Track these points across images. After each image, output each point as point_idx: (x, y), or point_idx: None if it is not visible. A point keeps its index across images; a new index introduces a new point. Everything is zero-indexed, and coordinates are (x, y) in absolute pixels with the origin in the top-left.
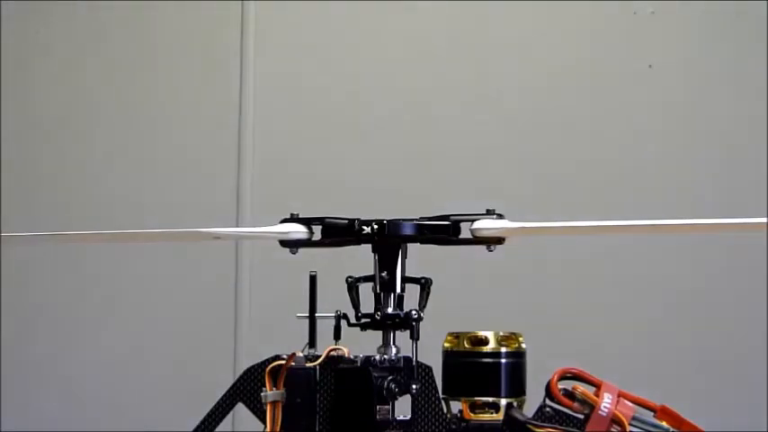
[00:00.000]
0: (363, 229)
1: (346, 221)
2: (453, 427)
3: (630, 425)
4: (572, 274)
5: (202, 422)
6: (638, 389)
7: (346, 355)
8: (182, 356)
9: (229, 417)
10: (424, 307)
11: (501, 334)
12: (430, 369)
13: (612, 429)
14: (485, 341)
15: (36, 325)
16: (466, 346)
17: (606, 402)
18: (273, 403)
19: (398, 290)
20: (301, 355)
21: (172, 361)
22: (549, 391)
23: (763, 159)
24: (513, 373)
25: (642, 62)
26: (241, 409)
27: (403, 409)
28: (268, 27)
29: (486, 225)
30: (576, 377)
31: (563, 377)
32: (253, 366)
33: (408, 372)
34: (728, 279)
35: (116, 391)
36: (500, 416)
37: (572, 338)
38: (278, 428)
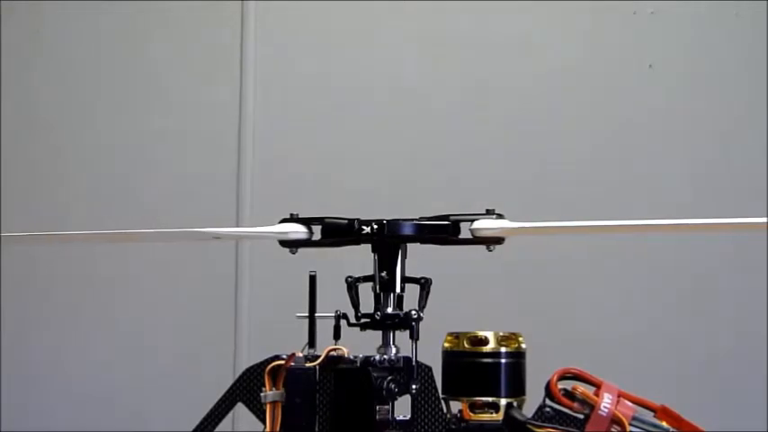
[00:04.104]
0: (363, 229)
1: (346, 221)
2: (453, 427)
3: (630, 425)
4: (572, 274)
5: (202, 422)
6: (639, 389)
7: (346, 356)
8: (182, 356)
9: (229, 417)
10: (424, 307)
11: (501, 334)
12: (430, 369)
13: (612, 429)
14: (485, 341)
15: (36, 325)
16: (466, 346)
17: (606, 402)
18: (273, 403)
19: (398, 290)
20: (301, 355)
21: (172, 361)
22: (548, 391)
23: (763, 159)
24: (512, 373)
25: (642, 62)
26: (241, 409)
27: (403, 409)
28: (268, 27)
29: (485, 225)
30: (576, 377)
31: (563, 377)
32: (252, 366)
33: (408, 372)
34: (728, 279)
35: (116, 391)
36: (500, 416)
37: (572, 338)
38: (278, 428)
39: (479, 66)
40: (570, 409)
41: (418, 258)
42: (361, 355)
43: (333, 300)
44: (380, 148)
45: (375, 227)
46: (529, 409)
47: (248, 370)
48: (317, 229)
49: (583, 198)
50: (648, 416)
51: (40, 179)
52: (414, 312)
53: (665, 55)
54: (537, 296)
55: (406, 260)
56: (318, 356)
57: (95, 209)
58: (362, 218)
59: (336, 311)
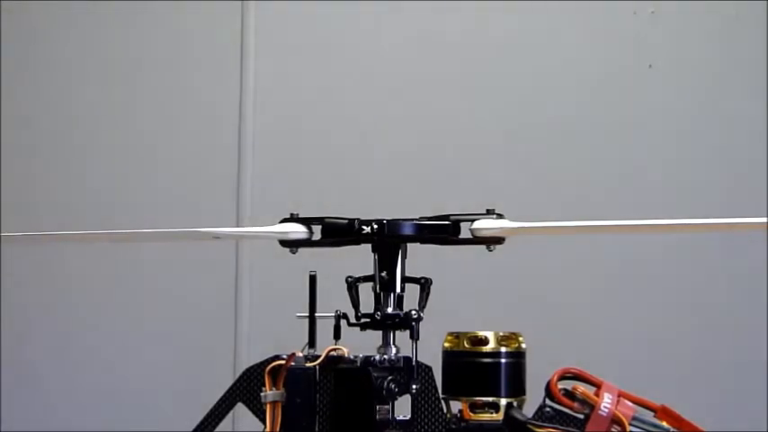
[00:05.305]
0: (363, 229)
1: (346, 221)
2: (453, 427)
3: (631, 425)
4: (572, 274)
5: (202, 422)
6: (638, 389)
7: (346, 356)
8: (182, 356)
9: (229, 417)
10: (424, 307)
11: (501, 334)
12: (430, 369)
13: (613, 429)
14: (485, 341)
15: (36, 325)
16: (466, 346)
17: (606, 402)
18: (273, 403)
19: (398, 290)
20: (301, 355)
21: (172, 361)
22: (549, 391)
23: (762, 159)
24: (513, 372)
25: (642, 62)
26: (241, 408)
27: (403, 409)
28: (268, 27)
29: (485, 225)
30: (576, 377)
31: (563, 377)
32: (252, 366)
33: (408, 372)
34: (729, 279)
35: (116, 391)
36: (500, 416)
37: (572, 338)
38: (278, 428)
39: (479, 66)
40: (570, 409)
41: (418, 258)
42: (361, 355)
43: (333, 300)
44: (380, 147)
45: (375, 227)
46: (529, 409)
47: (248, 370)
48: (317, 229)
49: (583, 198)
50: (648, 416)
51: (40, 179)
52: (414, 312)
53: (665, 55)
54: (537, 296)
55: (406, 260)
56: (318, 356)
57: (95, 209)
58: (362, 218)
59: (336, 311)
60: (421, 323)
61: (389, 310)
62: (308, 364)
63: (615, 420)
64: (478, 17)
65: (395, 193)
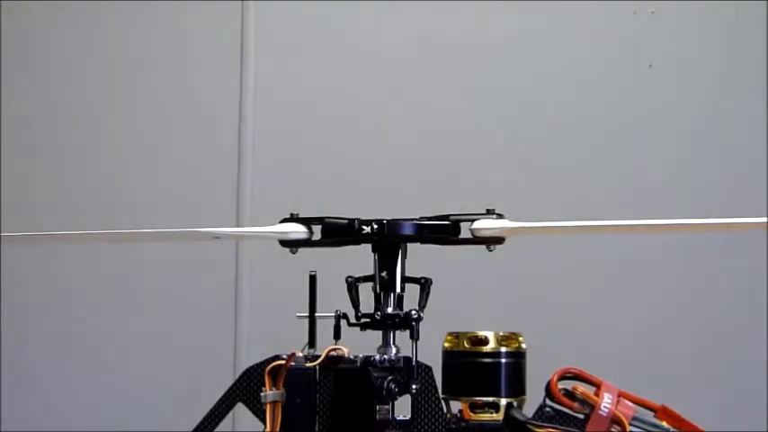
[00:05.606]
0: (363, 229)
1: (346, 221)
2: (453, 426)
3: (631, 425)
4: (572, 274)
5: (202, 422)
6: (639, 389)
7: (346, 356)
8: (182, 356)
9: (229, 417)
10: (424, 307)
11: (501, 334)
12: (430, 369)
13: (613, 429)
14: (485, 341)
15: (36, 325)
16: (466, 345)
17: (606, 402)
18: (273, 403)
19: (398, 290)
20: (301, 355)
21: (172, 361)
22: (549, 391)
23: (763, 159)
24: (513, 372)
25: (642, 62)
26: (241, 408)
27: (403, 409)
28: (268, 27)
29: (485, 225)
30: (576, 377)
31: (563, 377)
32: (252, 366)
33: (408, 372)
34: (729, 279)
35: (116, 391)
36: (500, 416)
37: (572, 338)
38: (278, 428)
39: (479, 66)
40: (570, 409)
41: (418, 258)
42: (361, 355)
43: (333, 300)
44: (380, 147)
45: (375, 227)
46: (529, 409)
47: (248, 370)
48: (317, 229)
49: (583, 198)
50: (648, 416)
51: (40, 179)
52: (414, 312)
53: (665, 55)
54: (537, 296)
55: (406, 260)
56: (318, 356)
57: (95, 209)
58: (362, 218)
59: (336, 311)
60: (421, 323)
61: (389, 310)
62: (308, 364)
63: (615, 420)
64: (478, 17)
65: (395, 193)
